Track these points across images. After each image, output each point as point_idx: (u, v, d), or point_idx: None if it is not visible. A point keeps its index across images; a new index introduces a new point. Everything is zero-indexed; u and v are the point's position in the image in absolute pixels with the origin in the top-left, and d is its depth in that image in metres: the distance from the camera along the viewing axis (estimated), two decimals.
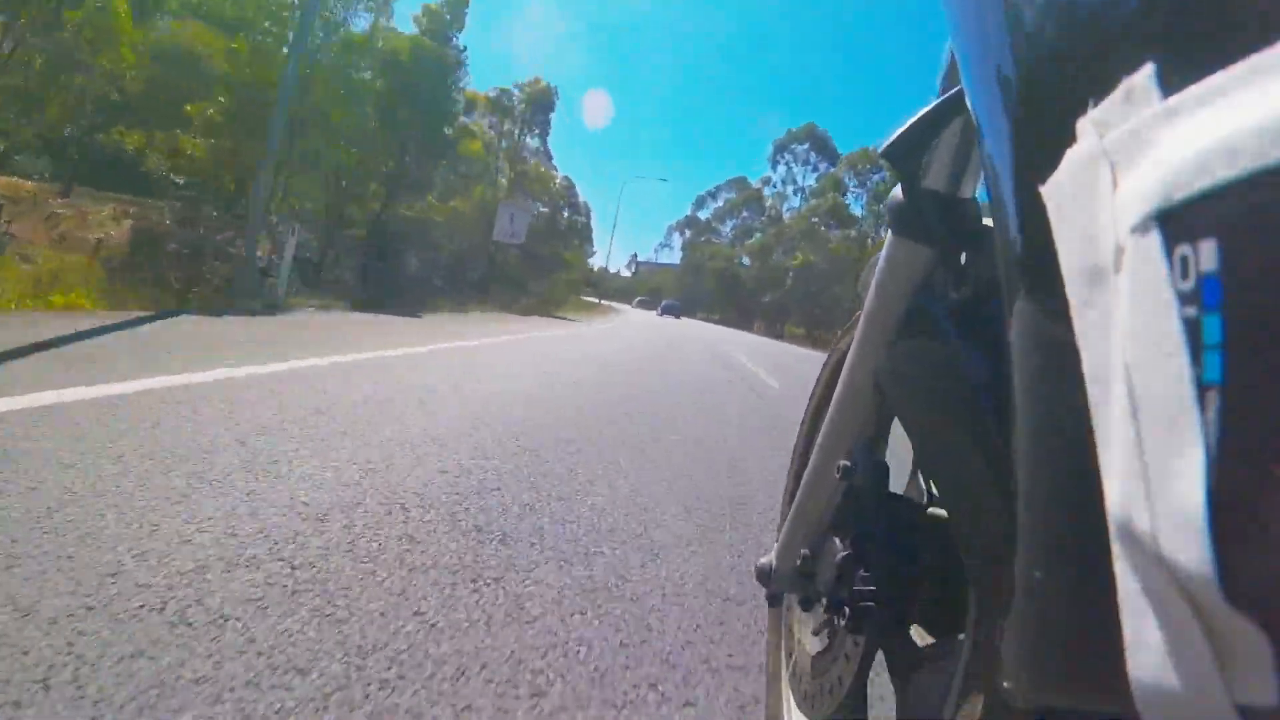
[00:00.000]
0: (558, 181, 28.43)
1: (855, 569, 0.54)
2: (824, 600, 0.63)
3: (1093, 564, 0.19)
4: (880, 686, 0.65)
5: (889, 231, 0.52)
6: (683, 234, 69.75)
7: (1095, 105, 0.20)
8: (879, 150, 0.49)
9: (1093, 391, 0.19)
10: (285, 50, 7.95)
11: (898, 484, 0.60)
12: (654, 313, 45.74)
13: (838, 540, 0.60)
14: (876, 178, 38.28)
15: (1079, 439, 0.20)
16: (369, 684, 0.86)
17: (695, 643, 1.16)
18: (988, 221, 0.48)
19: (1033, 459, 0.24)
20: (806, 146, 49.38)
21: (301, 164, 9.67)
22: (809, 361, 12.74)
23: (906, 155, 0.48)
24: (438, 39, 13.74)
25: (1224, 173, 0.15)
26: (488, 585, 1.22)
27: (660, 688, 1.00)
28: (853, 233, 38.37)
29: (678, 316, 42.54)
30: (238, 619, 0.94)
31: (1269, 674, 0.14)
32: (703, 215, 64.13)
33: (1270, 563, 0.14)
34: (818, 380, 0.90)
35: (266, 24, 9.25)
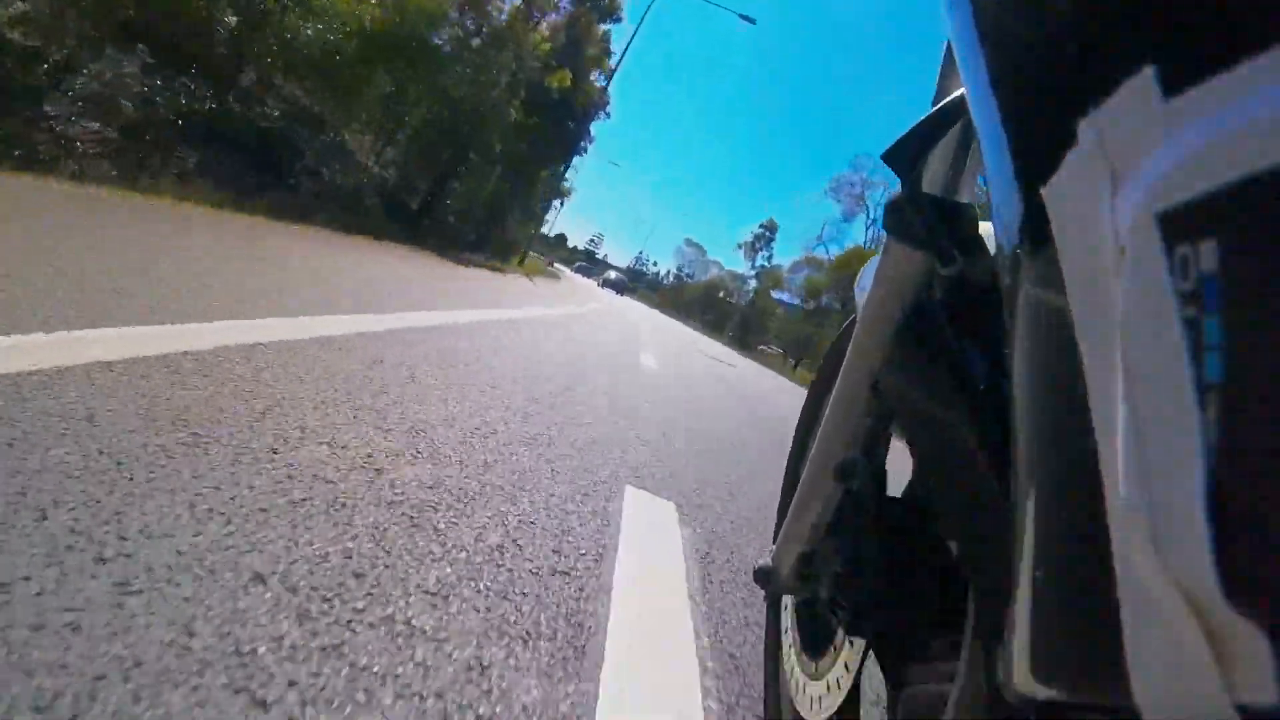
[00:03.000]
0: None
1: (854, 570, 0.54)
2: (822, 602, 0.63)
3: (1093, 564, 0.19)
4: (880, 687, 0.65)
5: (886, 235, 0.52)
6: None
7: (1096, 107, 0.20)
8: (881, 154, 0.49)
9: (1093, 392, 0.19)
10: None
11: (896, 486, 0.60)
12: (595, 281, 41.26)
13: (836, 542, 0.60)
14: None
15: (1079, 439, 0.20)
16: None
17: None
18: (985, 226, 0.48)
19: (1033, 459, 0.24)
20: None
21: None
22: None
23: (906, 159, 0.48)
24: None
25: (1224, 174, 0.15)
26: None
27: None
28: None
29: (620, 293, 37.80)
30: None
31: (1269, 674, 0.14)
32: None
33: (1270, 563, 0.14)
34: (813, 383, 0.90)
35: None
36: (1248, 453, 0.15)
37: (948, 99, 0.48)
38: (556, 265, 32.20)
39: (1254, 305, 0.15)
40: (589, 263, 71.25)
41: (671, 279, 75.61)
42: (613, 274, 45.59)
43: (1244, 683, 0.15)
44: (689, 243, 75.40)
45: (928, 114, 0.49)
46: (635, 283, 61.67)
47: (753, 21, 23.72)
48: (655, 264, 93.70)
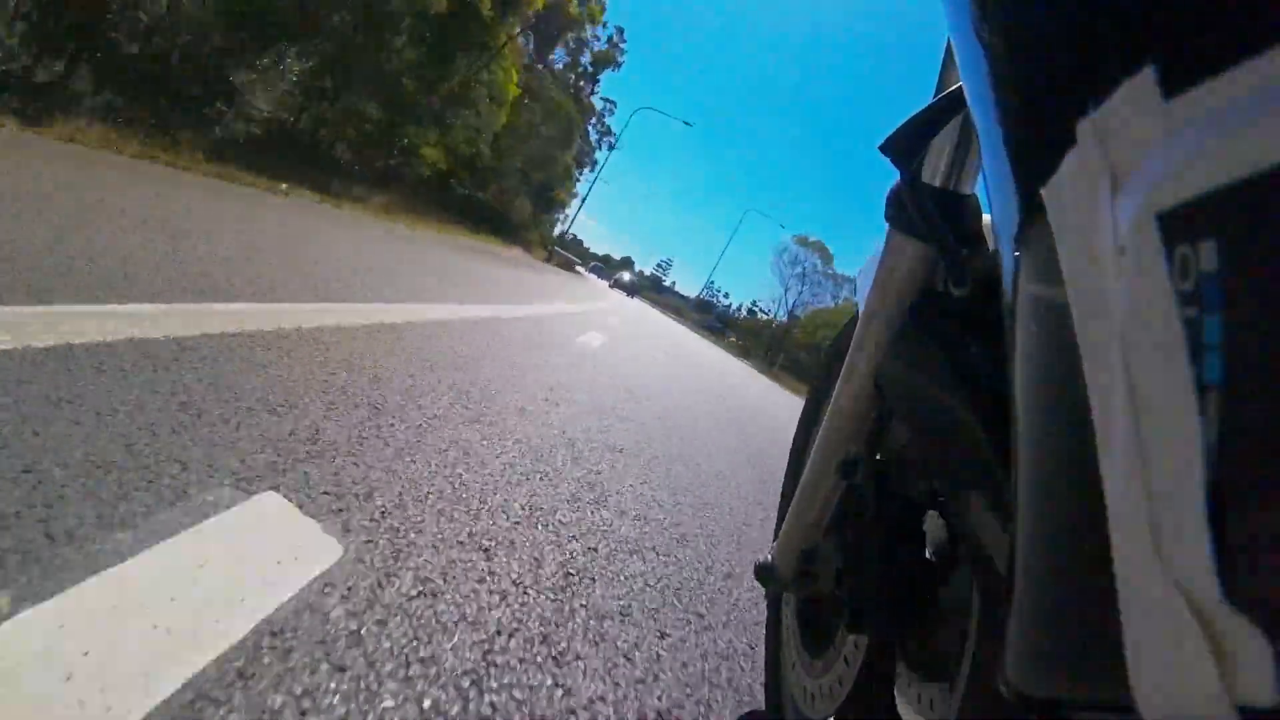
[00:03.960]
0: None
1: (855, 567, 0.54)
2: (824, 599, 0.63)
3: (1093, 563, 0.19)
4: (881, 684, 0.65)
5: (888, 227, 0.52)
6: None
7: (1095, 108, 0.20)
8: (879, 145, 0.49)
9: (1093, 391, 0.19)
10: None
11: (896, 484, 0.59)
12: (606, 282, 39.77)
13: (838, 539, 0.60)
14: None
15: (1079, 438, 0.20)
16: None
17: None
18: (988, 217, 0.48)
19: (1033, 458, 0.24)
20: None
21: None
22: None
23: (906, 150, 0.48)
24: None
25: (1223, 174, 0.15)
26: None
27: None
28: None
29: (631, 295, 36.65)
30: None
31: (1269, 674, 0.14)
32: None
33: (1270, 563, 0.14)
34: (815, 379, 0.90)
35: None
36: (1248, 453, 0.15)
37: (946, 90, 0.48)
38: (578, 268, 29.73)
39: (1254, 305, 0.15)
40: (604, 264, 70.81)
41: (744, 312, 52.24)
42: (626, 276, 45.57)
43: (1244, 683, 0.15)
44: (803, 243, 42.43)
45: (926, 105, 0.49)
46: (704, 314, 61.01)
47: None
48: (726, 295, 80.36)
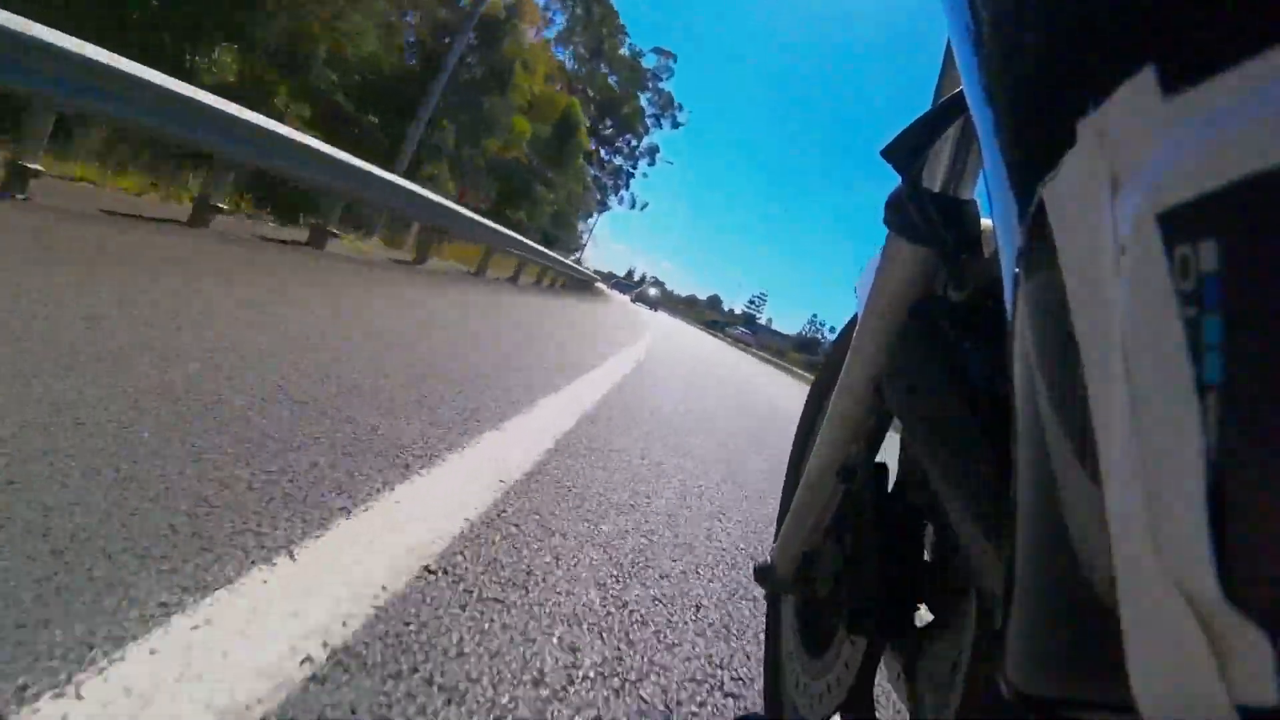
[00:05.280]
0: None
1: (854, 570, 0.54)
2: (823, 601, 0.63)
3: (1093, 563, 0.19)
4: (880, 687, 0.65)
5: (888, 232, 0.52)
6: None
7: (1096, 107, 0.20)
8: (880, 151, 0.49)
9: (1093, 392, 0.19)
10: None
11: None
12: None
13: (837, 541, 0.60)
14: None
15: (1080, 439, 0.20)
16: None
17: None
18: (987, 222, 0.48)
19: (1033, 459, 0.24)
20: None
21: None
22: None
23: (907, 155, 0.48)
24: None
25: (1224, 174, 0.15)
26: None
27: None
28: None
29: (654, 308, 37.06)
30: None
31: (1269, 674, 0.14)
32: None
33: (1270, 563, 0.14)
34: (815, 382, 0.90)
35: None
36: (1248, 453, 0.15)
37: (947, 95, 0.48)
38: (599, 284, 25.39)
39: (1254, 305, 0.15)
40: (627, 280, 69.61)
41: None
42: (652, 291, 45.96)
43: (1244, 683, 0.15)
44: None
45: (928, 110, 0.49)
46: (814, 352, 62.67)
47: None
48: (832, 330, 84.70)
